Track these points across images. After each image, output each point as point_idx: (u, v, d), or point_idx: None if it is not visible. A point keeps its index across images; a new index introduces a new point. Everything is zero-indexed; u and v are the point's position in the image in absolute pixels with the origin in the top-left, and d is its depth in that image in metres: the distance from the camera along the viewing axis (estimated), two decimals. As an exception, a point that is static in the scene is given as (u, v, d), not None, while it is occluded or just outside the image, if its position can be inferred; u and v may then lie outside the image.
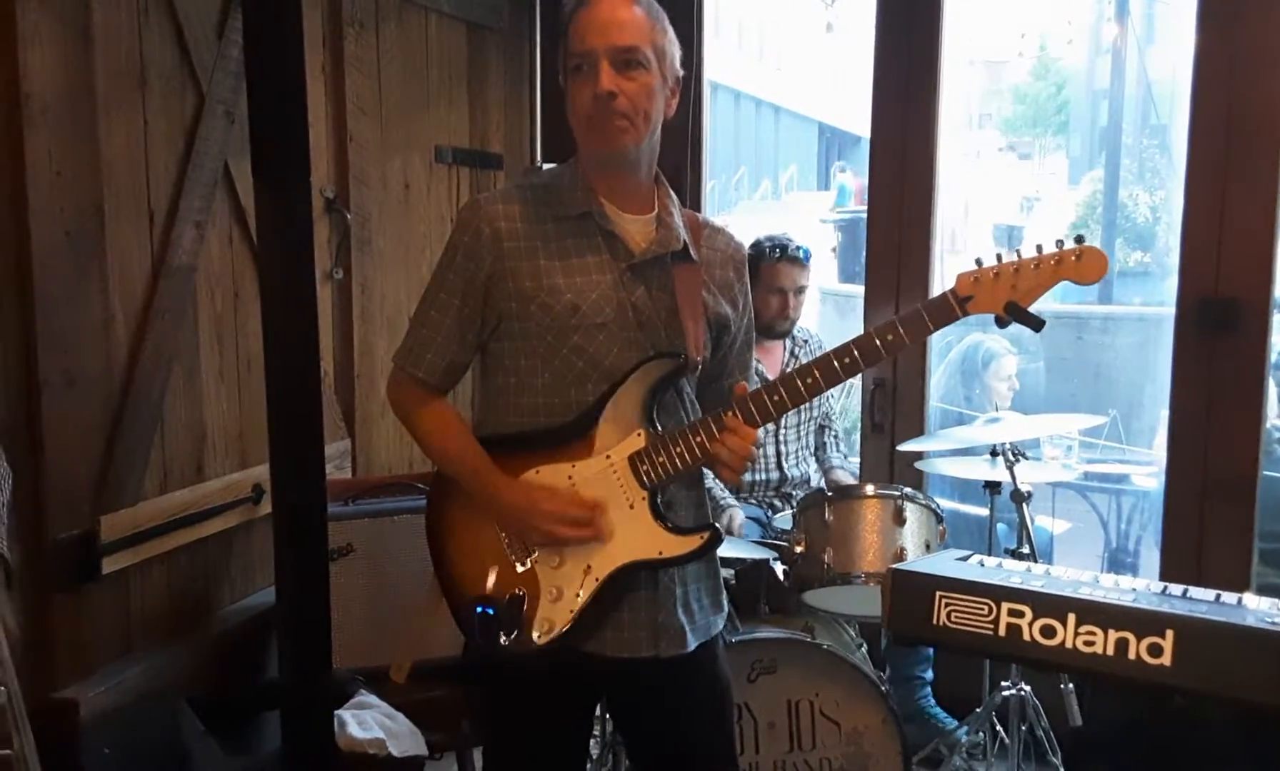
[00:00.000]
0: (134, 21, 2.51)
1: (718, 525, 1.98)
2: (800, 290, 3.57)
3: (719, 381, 2.07)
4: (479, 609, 1.93)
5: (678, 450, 1.87)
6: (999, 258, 1.78)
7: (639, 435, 1.88)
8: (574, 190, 1.93)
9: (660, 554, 1.89)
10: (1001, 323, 1.79)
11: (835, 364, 1.84)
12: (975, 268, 1.79)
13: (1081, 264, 1.76)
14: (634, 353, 1.89)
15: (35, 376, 2.31)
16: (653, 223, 1.95)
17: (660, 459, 1.88)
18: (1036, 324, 1.78)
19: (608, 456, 1.89)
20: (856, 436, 4.01)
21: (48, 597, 2.38)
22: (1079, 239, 1.76)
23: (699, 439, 1.87)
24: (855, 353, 1.83)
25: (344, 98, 3.19)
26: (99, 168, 2.43)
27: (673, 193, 2.00)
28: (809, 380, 1.85)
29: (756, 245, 3.50)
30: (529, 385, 1.92)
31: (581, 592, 1.90)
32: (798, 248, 3.55)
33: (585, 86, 1.85)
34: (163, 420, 2.65)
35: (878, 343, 1.82)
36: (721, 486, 3.46)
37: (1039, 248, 1.78)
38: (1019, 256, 1.78)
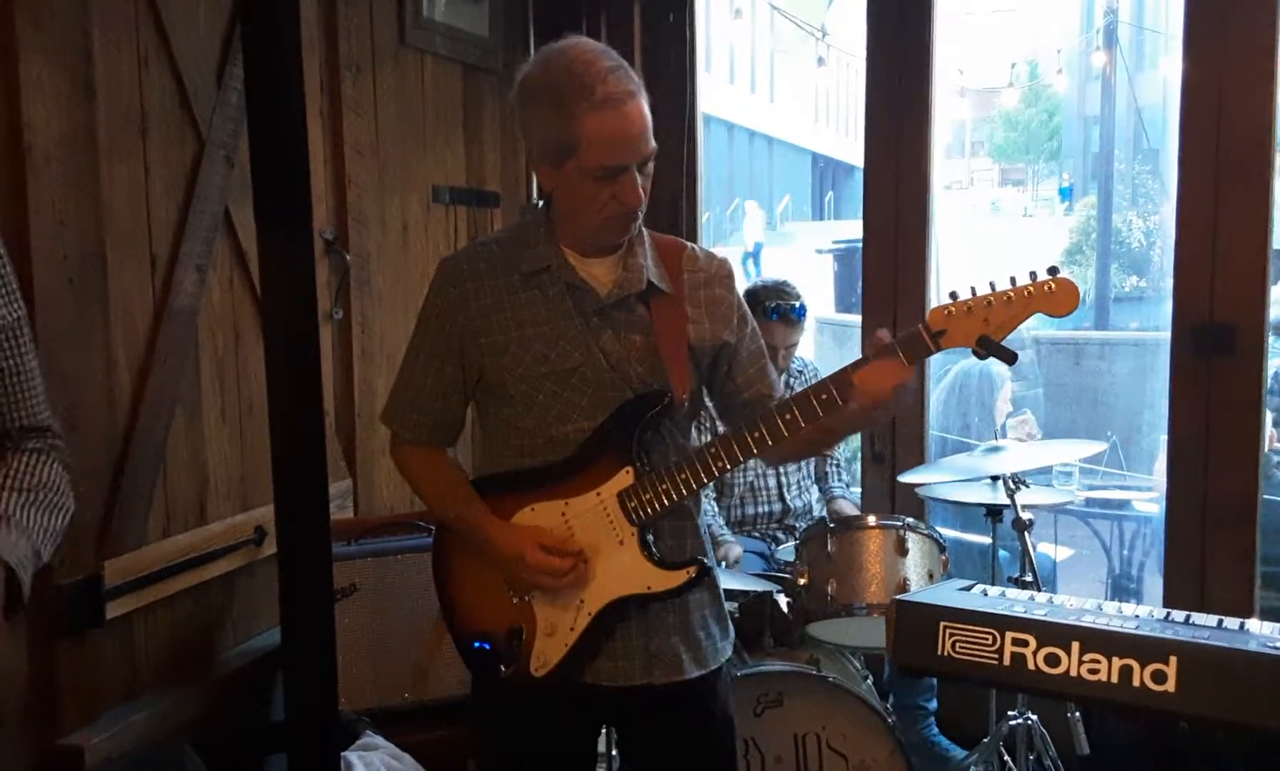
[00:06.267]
0: (134, 70, 2.54)
1: (705, 560, 1.97)
2: (792, 347, 3.56)
3: (739, 397, 2.05)
4: (476, 643, 2.00)
5: (664, 487, 1.89)
6: (973, 291, 1.78)
7: (627, 472, 1.90)
8: (537, 245, 1.94)
9: (649, 588, 1.92)
10: (978, 354, 1.80)
11: (813, 401, 1.83)
12: (949, 302, 1.79)
13: (1054, 296, 1.74)
14: (610, 393, 1.91)
15: (39, 422, 2.31)
16: (618, 264, 1.95)
17: (647, 496, 1.90)
18: (1009, 357, 1.78)
19: (598, 493, 1.91)
20: (858, 466, 4.01)
21: (52, 643, 2.37)
22: (1052, 270, 1.76)
23: (684, 476, 1.89)
24: (833, 389, 1.83)
25: (342, 140, 3.21)
26: (101, 214, 2.45)
27: (645, 233, 1.98)
28: (787, 417, 1.85)
29: (753, 293, 3.47)
30: (515, 428, 1.95)
31: (575, 627, 1.93)
32: (794, 308, 3.51)
33: (604, 190, 1.83)
34: (165, 463, 2.65)
35: (852, 378, 1.81)
36: (720, 522, 3.46)
37: (1012, 280, 1.77)
38: (993, 289, 1.78)
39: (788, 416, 1.84)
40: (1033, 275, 1.76)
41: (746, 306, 2.09)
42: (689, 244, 2.07)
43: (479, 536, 1.97)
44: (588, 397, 1.91)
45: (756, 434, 1.86)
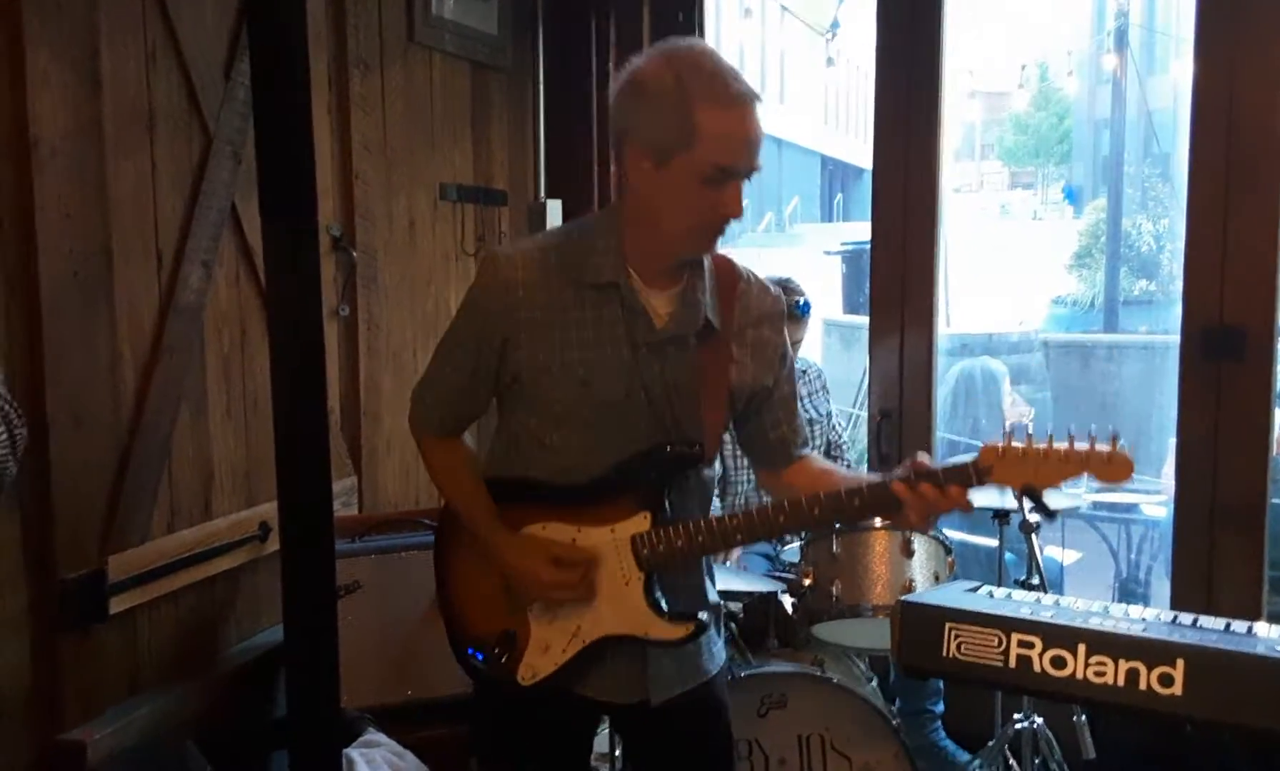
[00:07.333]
0: (142, 65, 2.54)
1: (704, 616, 1.95)
2: (796, 343, 3.56)
3: (764, 438, 2.04)
4: (469, 650, 2.01)
5: (679, 542, 1.87)
6: (1029, 436, 1.75)
7: (644, 517, 1.88)
8: (605, 256, 1.86)
9: (646, 634, 1.90)
10: (1017, 498, 1.78)
11: (845, 504, 1.83)
12: (1004, 442, 1.76)
13: (1109, 466, 1.72)
14: (642, 427, 1.88)
15: (43, 416, 2.31)
16: (676, 298, 1.89)
17: (660, 546, 1.88)
18: (1049, 514, 1.77)
19: (612, 530, 1.89)
20: (864, 468, 4.00)
21: (55, 638, 2.37)
22: (1114, 437, 1.73)
23: (701, 539, 1.87)
24: (865, 494, 1.82)
25: (350, 137, 3.21)
26: (107, 209, 2.45)
27: (705, 263, 1.93)
28: (815, 512, 1.84)
29: None
30: (539, 442, 1.92)
31: (568, 650, 1.92)
32: (798, 304, 3.51)
33: (707, 195, 1.76)
34: (170, 459, 2.65)
35: (892, 489, 1.79)
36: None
37: (1071, 437, 1.74)
38: (1050, 442, 1.74)
39: (816, 511, 1.84)
40: (1092, 438, 1.74)
41: (789, 346, 2.06)
42: (744, 272, 2.00)
43: (486, 543, 1.96)
44: (619, 430, 1.87)
45: (781, 519, 1.86)
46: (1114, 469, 1.72)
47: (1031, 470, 1.74)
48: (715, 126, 1.72)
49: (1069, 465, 1.73)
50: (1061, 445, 1.74)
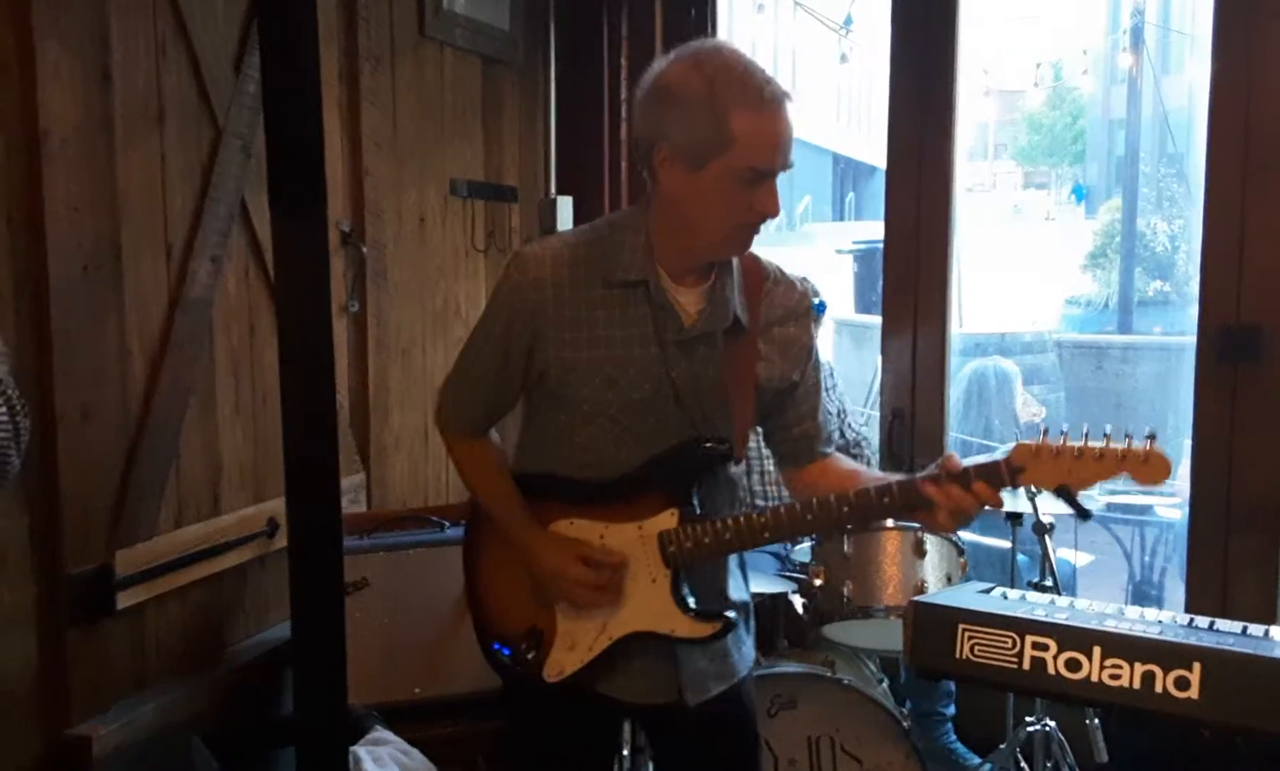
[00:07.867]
0: (152, 58, 2.53)
1: (731, 615, 1.94)
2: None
3: (787, 433, 2.02)
4: (495, 646, 2.00)
5: (707, 540, 1.86)
6: (1064, 435, 1.72)
7: (673, 514, 1.86)
8: (634, 253, 1.85)
9: (672, 632, 1.88)
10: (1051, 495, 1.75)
11: (874, 502, 1.81)
12: (1039, 439, 1.73)
13: (1146, 466, 1.68)
14: (670, 424, 1.87)
15: (52, 410, 2.31)
16: (704, 295, 1.88)
17: (688, 544, 1.86)
18: (1083, 513, 1.73)
19: (640, 527, 1.88)
20: (875, 469, 3.98)
21: (62, 633, 2.37)
22: (1150, 437, 1.70)
23: (728, 537, 1.85)
24: (895, 493, 1.79)
25: (360, 132, 3.20)
26: (116, 203, 2.44)
27: (733, 260, 1.92)
28: (845, 509, 1.82)
29: None
30: (566, 439, 1.91)
31: (594, 647, 1.91)
32: (814, 305, 3.49)
33: (744, 196, 1.75)
34: (178, 454, 2.65)
35: (921, 488, 1.77)
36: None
37: (1107, 436, 1.71)
38: (1085, 440, 1.71)
39: (845, 508, 1.82)
40: (1128, 438, 1.70)
41: (816, 341, 2.05)
42: (770, 268, 1.99)
43: (515, 540, 1.95)
44: (647, 428, 1.86)
45: (809, 517, 1.84)
46: (1151, 469, 1.68)
47: (1066, 470, 1.71)
48: (751, 129, 1.71)
49: (1105, 465, 1.69)
50: (1096, 444, 1.70)
